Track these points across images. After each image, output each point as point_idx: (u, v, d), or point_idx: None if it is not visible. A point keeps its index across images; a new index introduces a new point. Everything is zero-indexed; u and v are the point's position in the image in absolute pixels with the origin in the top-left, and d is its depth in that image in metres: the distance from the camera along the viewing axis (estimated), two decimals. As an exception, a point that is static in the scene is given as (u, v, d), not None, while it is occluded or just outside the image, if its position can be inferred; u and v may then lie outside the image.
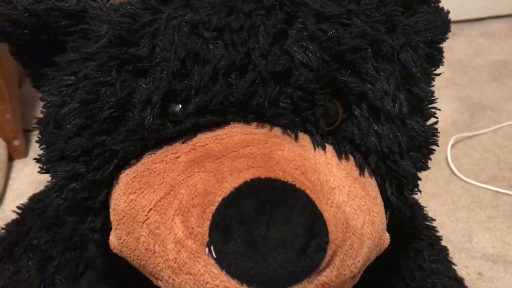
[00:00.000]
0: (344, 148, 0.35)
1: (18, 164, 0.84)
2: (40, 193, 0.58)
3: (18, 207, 0.57)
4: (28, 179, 0.81)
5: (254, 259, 0.28)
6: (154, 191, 0.32)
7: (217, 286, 0.28)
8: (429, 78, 0.43)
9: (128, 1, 0.38)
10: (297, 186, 0.30)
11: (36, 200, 0.57)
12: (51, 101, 0.37)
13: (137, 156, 0.35)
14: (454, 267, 0.50)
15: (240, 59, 0.33)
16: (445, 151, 0.84)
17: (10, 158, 0.84)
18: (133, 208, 0.33)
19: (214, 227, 0.29)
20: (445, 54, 0.44)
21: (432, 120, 0.41)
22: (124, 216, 0.33)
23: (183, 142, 0.34)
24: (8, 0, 0.38)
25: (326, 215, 0.30)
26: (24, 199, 0.59)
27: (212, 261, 0.29)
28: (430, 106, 0.40)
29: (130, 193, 0.33)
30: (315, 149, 0.34)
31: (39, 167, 0.39)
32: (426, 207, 0.54)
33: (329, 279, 0.30)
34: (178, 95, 0.34)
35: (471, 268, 0.64)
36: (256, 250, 0.28)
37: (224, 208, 0.29)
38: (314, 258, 0.28)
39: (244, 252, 0.28)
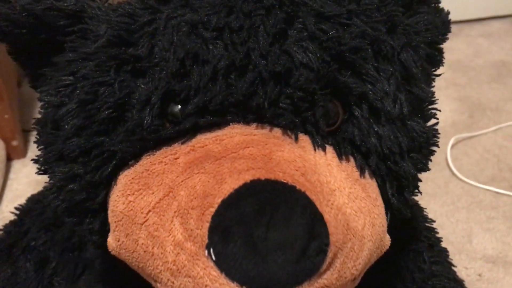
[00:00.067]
0: (345, 149, 0.35)
1: (16, 164, 0.84)
2: (39, 193, 0.58)
3: (17, 208, 0.57)
4: (27, 179, 0.81)
5: (254, 261, 0.27)
6: (152, 193, 0.32)
7: (216, 288, 0.28)
8: (429, 78, 0.43)
9: (127, 0, 0.38)
10: (297, 187, 0.30)
11: (34, 201, 0.57)
12: (49, 102, 0.37)
13: (136, 157, 0.34)
14: (454, 268, 0.50)
15: (240, 59, 0.33)
16: (445, 152, 0.83)
17: (9, 159, 0.84)
18: (131, 209, 0.33)
19: (214, 229, 0.29)
20: (444, 55, 0.44)
21: (433, 121, 0.40)
22: (122, 218, 0.33)
23: (182, 143, 0.34)
24: (6, 0, 0.37)
25: (326, 216, 0.30)
26: (22, 200, 0.58)
27: (212, 264, 0.28)
28: (430, 107, 0.40)
29: (129, 194, 0.33)
30: (315, 150, 0.34)
31: (37, 168, 0.39)
32: (426, 208, 0.54)
33: (329, 282, 0.29)
34: (177, 96, 0.34)
35: (471, 269, 0.64)
36: (256, 252, 0.27)
37: (223, 210, 0.29)
38: (315, 260, 0.28)
39: (244, 254, 0.27)
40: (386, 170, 0.36)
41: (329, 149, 0.34)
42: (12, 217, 0.56)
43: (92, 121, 0.35)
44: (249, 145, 0.32)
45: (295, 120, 0.34)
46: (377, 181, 0.36)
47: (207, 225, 0.29)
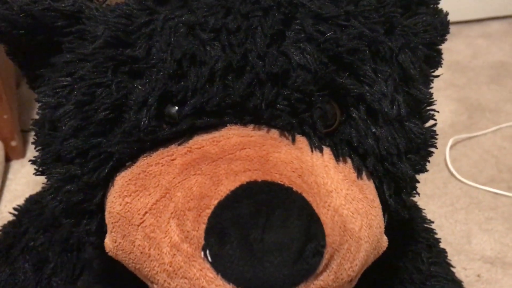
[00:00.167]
0: (342, 150, 0.35)
1: (15, 165, 0.84)
2: (37, 194, 0.58)
3: (15, 208, 0.57)
4: (25, 180, 0.80)
5: (250, 263, 0.27)
6: (149, 194, 0.32)
7: (212, 290, 0.28)
8: (427, 80, 0.43)
9: (125, 1, 0.38)
10: (294, 189, 0.30)
11: (33, 201, 0.57)
12: (47, 102, 0.37)
13: (133, 158, 0.34)
14: (452, 269, 0.50)
15: (237, 60, 0.33)
16: (443, 153, 0.83)
17: (7, 159, 0.84)
18: (128, 211, 0.33)
19: (210, 231, 0.29)
20: (443, 55, 0.44)
21: (431, 122, 0.40)
22: (119, 219, 0.33)
23: (179, 144, 0.34)
24: (4, 0, 0.37)
25: (323, 218, 0.30)
26: (21, 200, 0.59)
27: (208, 265, 0.28)
28: (428, 108, 0.40)
29: (126, 195, 0.33)
30: (312, 151, 0.34)
31: (35, 169, 0.39)
32: (424, 209, 0.54)
33: (326, 283, 0.29)
34: (174, 97, 0.34)
35: (469, 270, 0.64)
36: (252, 254, 0.27)
37: (220, 212, 0.29)
38: (311, 262, 0.28)
39: (240, 256, 0.27)
40: (383, 171, 0.36)
41: (326, 150, 0.34)
42: (11, 217, 0.56)
43: (89, 122, 0.35)
44: (246, 147, 0.32)
45: (293, 121, 0.34)
46: (374, 183, 0.36)
47: (203, 226, 0.29)
